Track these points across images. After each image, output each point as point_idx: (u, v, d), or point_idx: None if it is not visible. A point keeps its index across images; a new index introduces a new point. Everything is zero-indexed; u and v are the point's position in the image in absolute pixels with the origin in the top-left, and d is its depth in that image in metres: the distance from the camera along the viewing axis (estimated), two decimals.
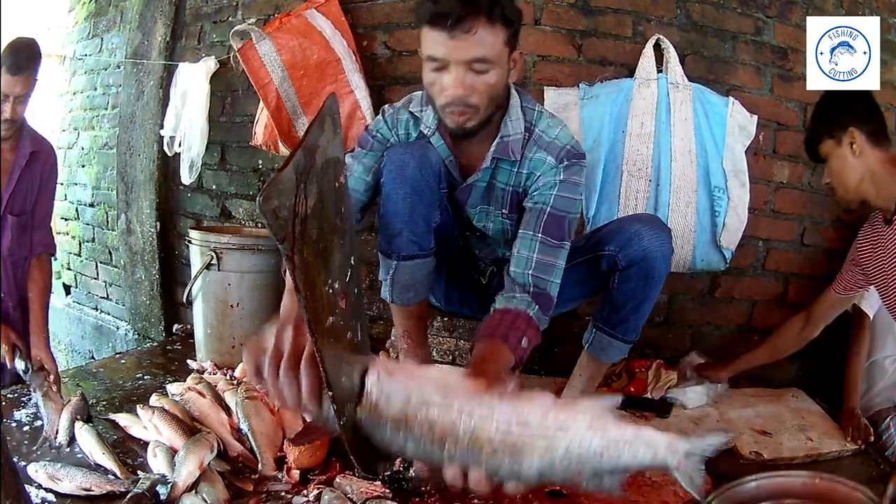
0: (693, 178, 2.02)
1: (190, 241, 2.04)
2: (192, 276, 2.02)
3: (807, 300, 1.97)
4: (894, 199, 1.55)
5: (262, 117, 2.27)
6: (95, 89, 3.07)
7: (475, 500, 1.12)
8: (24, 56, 1.76)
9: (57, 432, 1.39)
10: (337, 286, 0.73)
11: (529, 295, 1.27)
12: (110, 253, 2.99)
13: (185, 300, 2.07)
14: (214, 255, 1.96)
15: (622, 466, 0.76)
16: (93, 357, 2.95)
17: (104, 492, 1.17)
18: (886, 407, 1.92)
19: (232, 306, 1.99)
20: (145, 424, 1.42)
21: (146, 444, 1.34)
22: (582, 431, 0.73)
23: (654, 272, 1.45)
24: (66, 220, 3.31)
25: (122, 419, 1.48)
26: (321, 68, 2.14)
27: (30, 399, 1.57)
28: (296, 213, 0.64)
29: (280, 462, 1.32)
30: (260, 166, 2.48)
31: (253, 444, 1.35)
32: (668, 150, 2.00)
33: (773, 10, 2.10)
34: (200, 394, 1.54)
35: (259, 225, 2.45)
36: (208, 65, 2.42)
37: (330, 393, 0.73)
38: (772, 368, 2.01)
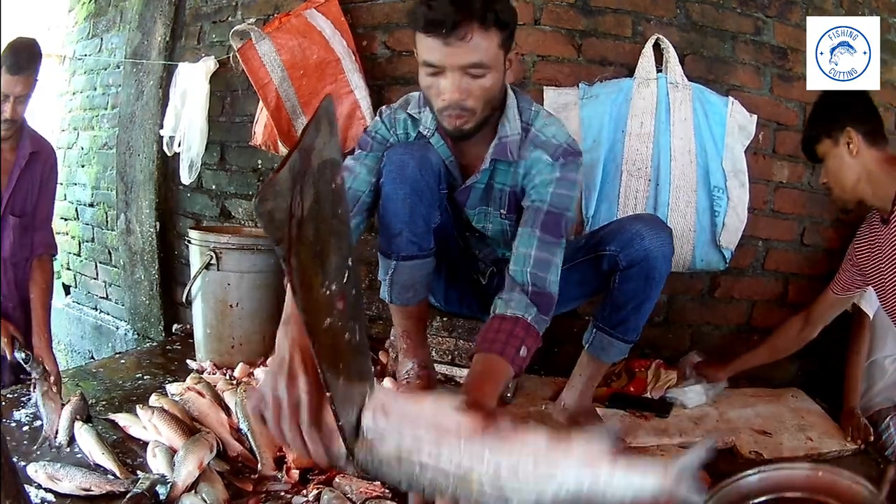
0: (693, 177, 2.02)
1: (189, 241, 2.04)
2: (192, 275, 2.02)
3: (806, 300, 1.96)
4: (891, 199, 1.54)
5: (262, 117, 2.27)
6: (95, 89, 3.07)
7: None
8: (25, 56, 1.76)
9: (56, 432, 1.40)
10: (334, 287, 0.72)
11: (528, 296, 1.27)
12: (110, 253, 3.00)
13: (184, 300, 2.07)
14: (214, 255, 1.96)
15: None
16: (92, 357, 2.95)
17: (104, 492, 1.17)
18: (886, 407, 1.92)
19: (231, 306, 1.99)
20: (145, 424, 1.42)
21: (146, 444, 1.35)
22: (572, 477, 0.74)
23: (655, 272, 1.45)
24: (65, 220, 3.31)
25: (122, 419, 1.48)
26: (321, 68, 2.14)
27: (30, 399, 1.57)
28: (292, 216, 0.63)
29: (279, 462, 1.32)
30: (259, 166, 2.48)
31: (252, 443, 1.35)
32: (668, 150, 2.00)
33: (772, 9, 2.10)
34: (200, 394, 1.55)
35: (258, 225, 2.45)
36: (208, 65, 2.42)
37: (344, 442, 0.77)
38: (771, 368, 2.01)
